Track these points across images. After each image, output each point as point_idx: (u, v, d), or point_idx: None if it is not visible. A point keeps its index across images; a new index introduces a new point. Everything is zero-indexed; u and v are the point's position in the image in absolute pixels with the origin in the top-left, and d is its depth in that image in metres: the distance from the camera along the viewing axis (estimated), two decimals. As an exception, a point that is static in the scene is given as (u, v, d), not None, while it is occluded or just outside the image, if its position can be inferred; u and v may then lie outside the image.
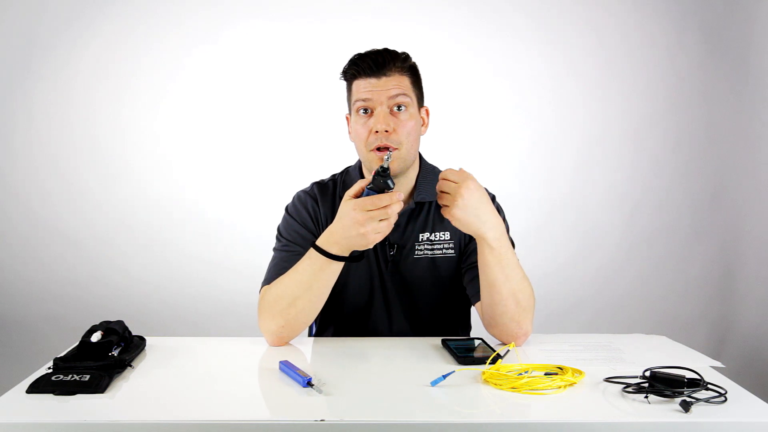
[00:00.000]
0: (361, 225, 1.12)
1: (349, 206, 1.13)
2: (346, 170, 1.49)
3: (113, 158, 3.18)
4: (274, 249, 1.40)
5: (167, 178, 3.20)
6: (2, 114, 3.13)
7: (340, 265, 1.21)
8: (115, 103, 3.17)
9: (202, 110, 3.19)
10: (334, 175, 1.50)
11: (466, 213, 1.18)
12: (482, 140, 3.20)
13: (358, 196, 1.15)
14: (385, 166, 1.13)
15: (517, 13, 3.16)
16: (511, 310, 1.23)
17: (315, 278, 1.21)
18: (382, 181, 1.13)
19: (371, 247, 1.16)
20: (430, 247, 1.39)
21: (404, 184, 1.39)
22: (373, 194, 1.13)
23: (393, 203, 1.11)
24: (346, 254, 1.18)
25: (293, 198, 1.47)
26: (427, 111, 1.42)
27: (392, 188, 1.13)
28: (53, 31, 3.11)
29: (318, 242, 1.20)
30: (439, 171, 1.46)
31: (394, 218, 1.13)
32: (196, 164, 3.21)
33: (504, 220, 1.43)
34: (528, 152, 3.22)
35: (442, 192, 1.21)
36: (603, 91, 3.19)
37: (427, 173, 1.43)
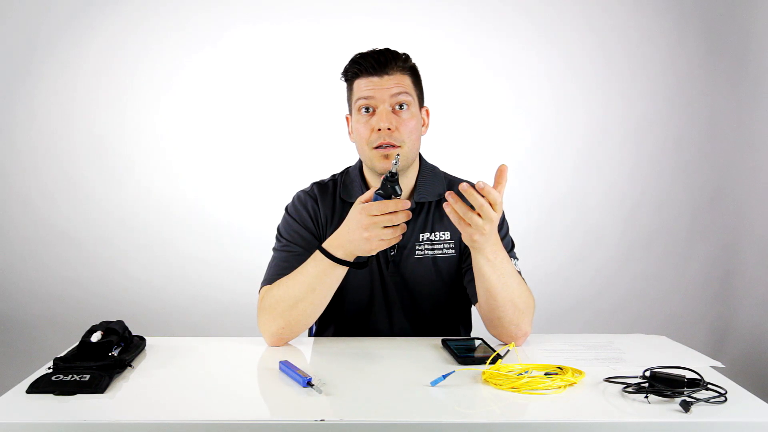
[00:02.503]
0: (365, 229, 1.11)
1: (356, 210, 1.13)
2: (346, 170, 1.48)
3: (115, 158, 3.19)
4: (274, 249, 1.39)
5: (168, 179, 3.20)
6: (4, 113, 3.13)
7: (344, 269, 1.20)
8: (117, 103, 3.17)
9: (203, 111, 3.20)
10: (334, 176, 1.50)
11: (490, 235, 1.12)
12: (482, 140, 3.20)
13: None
14: (393, 171, 1.11)
15: (516, 13, 3.16)
16: (509, 315, 1.23)
17: (318, 281, 1.20)
18: (390, 187, 1.11)
19: (374, 253, 1.15)
20: (430, 247, 1.39)
21: (404, 184, 1.39)
22: (380, 199, 1.12)
23: (399, 210, 1.10)
24: (351, 259, 1.17)
25: (293, 198, 1.46)
26: (427, 111, 1.42)
27: (399, 194, 1.12)
28: (55, 31, 3.11)
29: (324, 245, 1.19)
30: (440, 171, 1.46)
31: (401, 228, 1.12)
32: (198, 165, 3.21)
33: (504, 220, 1.43)
34: (528, 152, 3.22)
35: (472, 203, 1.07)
36: (603, 91, 3.19)
37: (428, 173, 1.43)
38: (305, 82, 3.12)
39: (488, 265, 1.18)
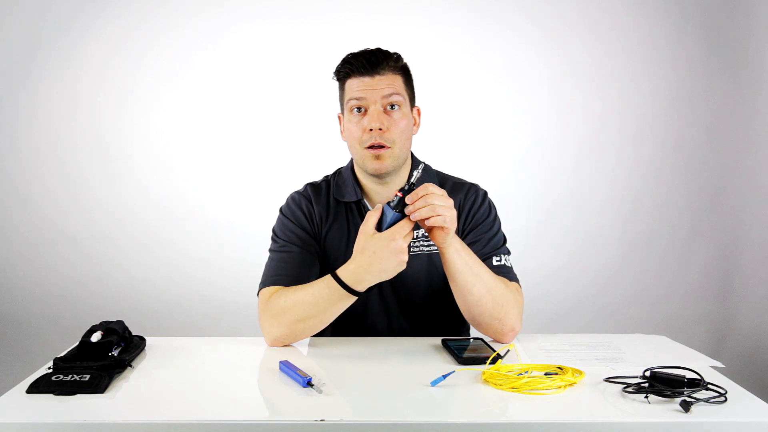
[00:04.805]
0: (403, 252, 1.12)
1: (385, 239, 1.12)
2: (339, 171, 1.49)
3: (116, 158, 3.19)
4: (270, 250, 1.40)
5: (169, 179, 3.20)
6: (6, 113, 3.13)
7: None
8: (118, 103, 3.17)
9: (204, 110, 3.20)
10: (326, 176, 1.51)
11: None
12: (482, 139, 3.20)
13: (378, 223, 1.15)
14: (413, 182, 1.12)
15: (516, 13, 3.16)
16: (488, 309, 1.23)
17: (331, 305, 1.21)
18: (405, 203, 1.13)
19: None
20: (426, 243, 1.39)
21: (397, 183, 1.40)
22: (399, 215, 1.12)
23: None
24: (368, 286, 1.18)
25: (287, 200, 1.47)
26: (418, 111, 1.43)
27: None
28: (56, 31, 3.11)
29: (342, 277, 1.18)
30: (432, 169, 1.46)
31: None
32: (198, 165, 3.21)
33: (495, 217, 1.43)
34: (528, 152, 3.22)
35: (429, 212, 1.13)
36: (603, 91, 3.19)
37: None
38: (307, 82, 3.12)
39: (459, 259, 1.19)
